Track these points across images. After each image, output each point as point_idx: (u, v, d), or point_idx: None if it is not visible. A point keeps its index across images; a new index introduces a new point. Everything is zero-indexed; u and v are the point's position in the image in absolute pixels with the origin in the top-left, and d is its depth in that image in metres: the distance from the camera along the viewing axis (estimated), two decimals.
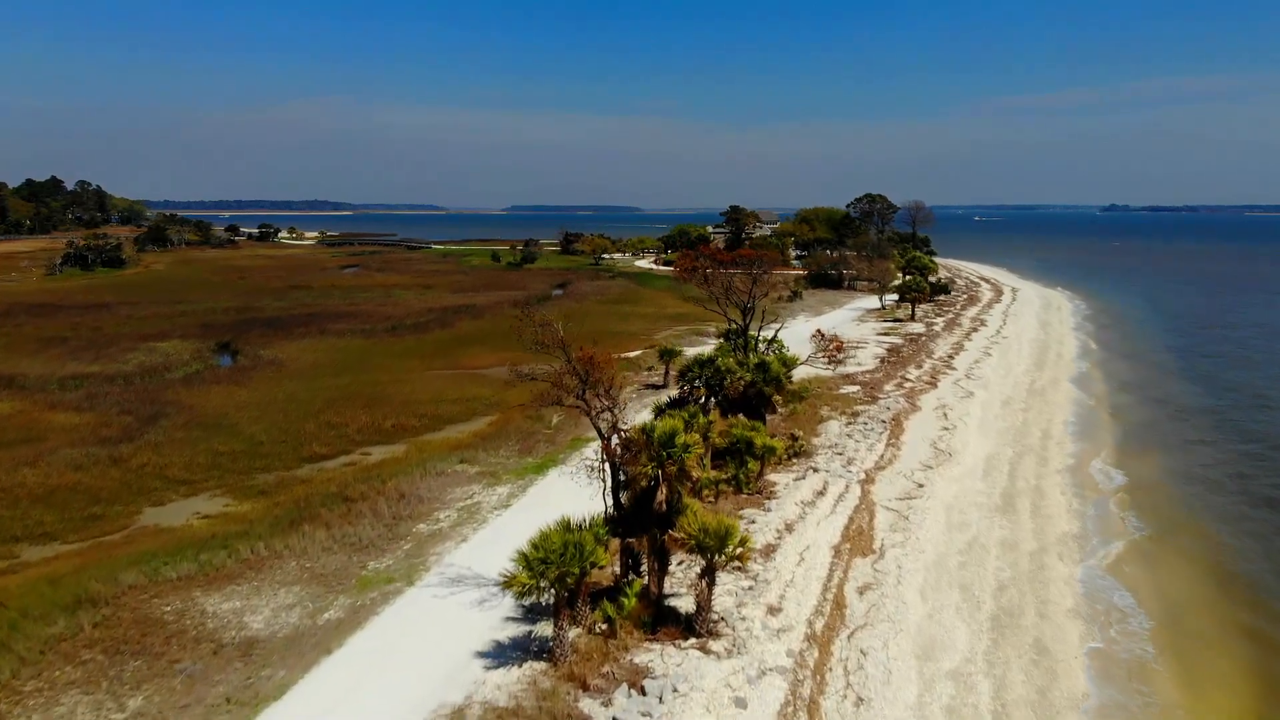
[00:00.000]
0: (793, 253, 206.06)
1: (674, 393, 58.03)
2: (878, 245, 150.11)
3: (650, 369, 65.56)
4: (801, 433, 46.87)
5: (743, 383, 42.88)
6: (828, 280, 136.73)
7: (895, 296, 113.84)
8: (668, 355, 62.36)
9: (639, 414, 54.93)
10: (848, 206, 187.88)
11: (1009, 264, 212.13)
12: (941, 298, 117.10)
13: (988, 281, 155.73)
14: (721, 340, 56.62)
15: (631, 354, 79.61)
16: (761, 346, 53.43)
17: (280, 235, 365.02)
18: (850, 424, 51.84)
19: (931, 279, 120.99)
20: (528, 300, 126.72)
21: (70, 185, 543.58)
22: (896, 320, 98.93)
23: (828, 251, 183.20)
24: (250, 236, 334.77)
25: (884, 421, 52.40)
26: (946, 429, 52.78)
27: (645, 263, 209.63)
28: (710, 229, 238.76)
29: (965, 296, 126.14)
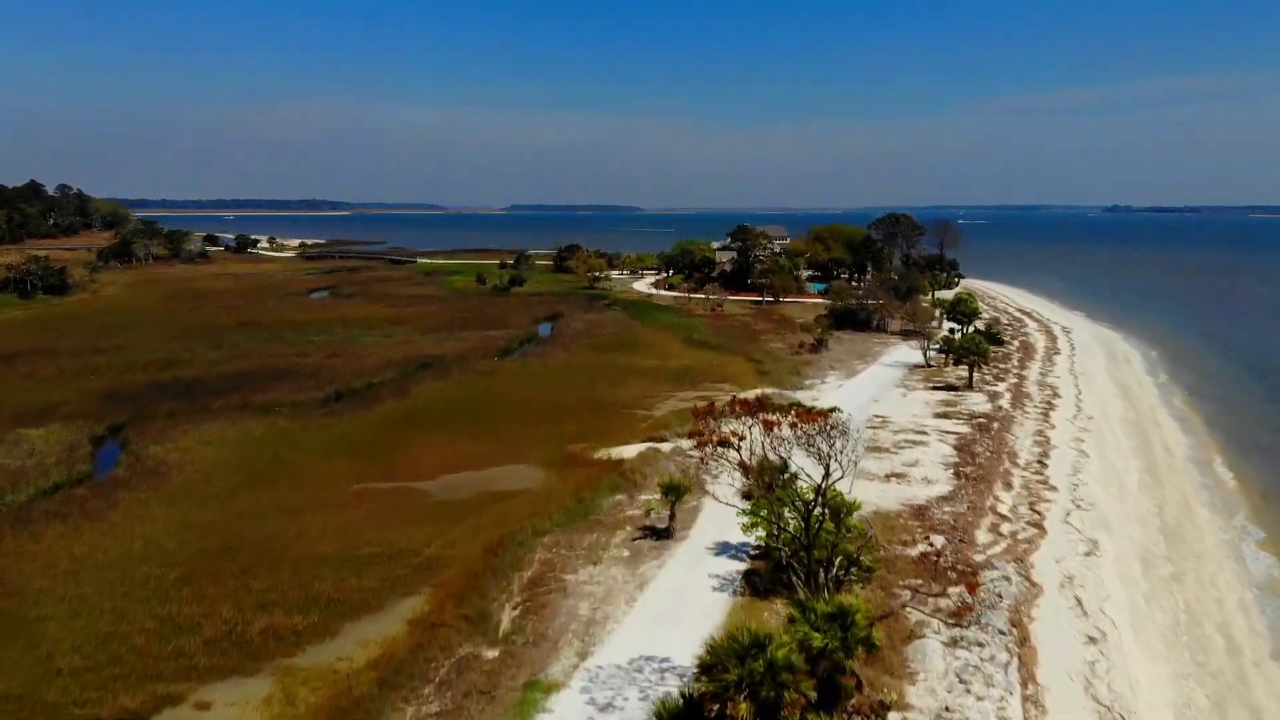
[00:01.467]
0: (805, 273, 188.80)
1: (685, 551, 40.48)
2: (907, 276, 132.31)
3: (651, 511, 47.32)
4: (895, 696, 29.09)
5: (806, 675, 24.71)
6: (853, 319, 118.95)
7: (937, 345, 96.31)
8: (673, 492, 44.57)
9: (628, 614, 37.31)
10: (869, 227, 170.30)
11: (1037, 285, 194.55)
12: (995, 350, 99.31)
13: (1031, 317, 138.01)
14: (756, 514, 38.07)
15: (626, 452, 61.88)
16: (829, 534, 34.98)
17: (261, 244, 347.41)
18: (956, 642, 34.10)
19: (979, 323, 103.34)
20: (507, 346, 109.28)
21: (64, 189, 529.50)
22: (951, 388, 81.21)
23: (848, 279, 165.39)
24: (228, 246, 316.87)
25: (1002, 633, 34.78)
26: (1093, 640, 35.16)
27: (645, 284, 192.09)
28: (715, 246, 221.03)
29: (1018, 344, 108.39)
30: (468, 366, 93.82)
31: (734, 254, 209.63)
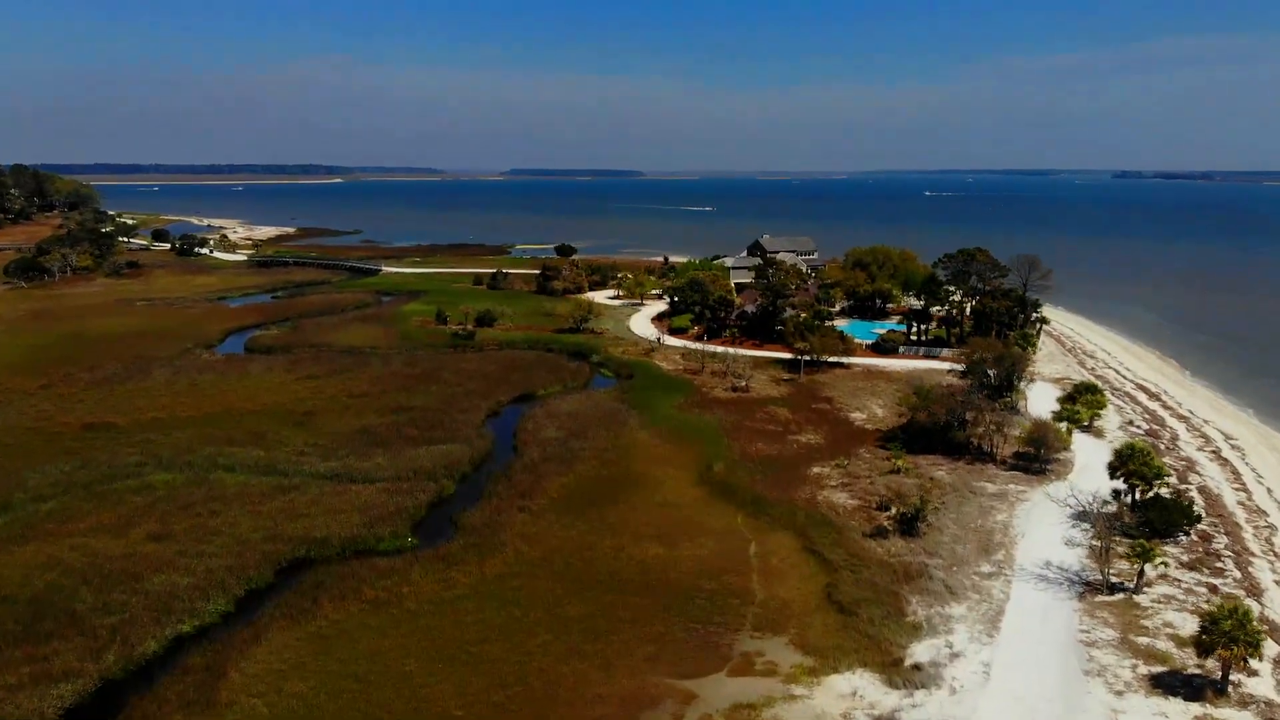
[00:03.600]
0: (838, 306, 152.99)
1: None
2: (1004, 357, 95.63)
3: None
4: None
5: None
6: (941, 434, 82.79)
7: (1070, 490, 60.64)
8: None
9: None
10: (935, 265, 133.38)
11: (1128, 320, 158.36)
12: (1193, 535, 63.56)
13: (1164, 405, 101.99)
14: None
15: None
16: None
17: (217, 238, 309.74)
18: None
19: (1163, 488, 66.82)
20: (438, 495, 73.81)
21: (18, 169, 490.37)
22: (1189, 685, 45.44)
23: (907, 330, 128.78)
24: (173, 247, 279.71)
25: None
26: None
27: (644, 321, 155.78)
28: (729, 264, 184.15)
29: (1195, 489, 72.60)
30: (351, 582, 57.46)
31: (751, 273, 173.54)
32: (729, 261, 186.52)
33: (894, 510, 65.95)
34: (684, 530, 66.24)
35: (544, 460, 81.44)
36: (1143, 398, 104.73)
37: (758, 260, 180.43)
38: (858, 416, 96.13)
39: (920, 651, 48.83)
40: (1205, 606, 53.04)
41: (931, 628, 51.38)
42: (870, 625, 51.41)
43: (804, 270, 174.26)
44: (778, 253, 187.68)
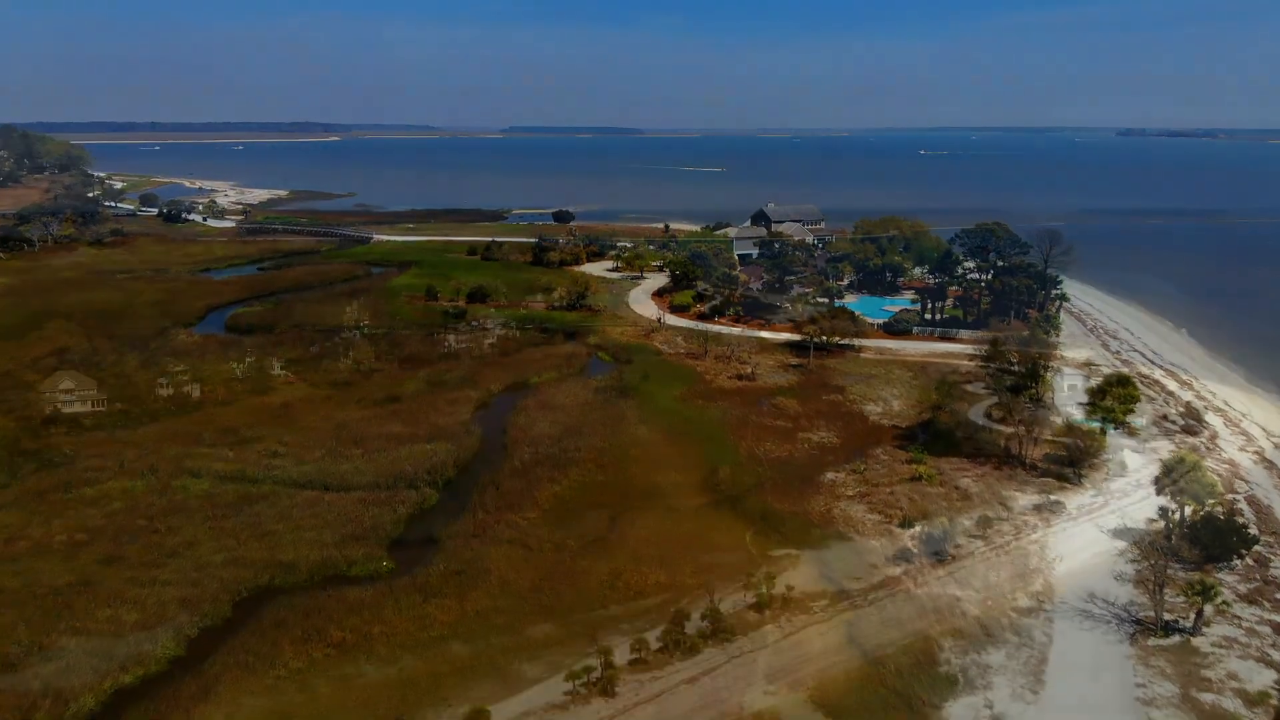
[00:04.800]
0: (846, 280, 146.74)
1: None
2: (1031, 340, 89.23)
3: None
4: None
5: None
6: (967, 439, 76.56)
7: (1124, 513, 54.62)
8: None
9: None
10: (952, 240, 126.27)
11: (1145, 292, 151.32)
12: (1248, 559, 57.53)
13: (1196, 392, 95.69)
14: None
15: None
16: None
17: (206, 203, 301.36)
18: None
19: (1217, 505, 60.66)
20: (403, 525, 67.79)
21: (6, 130, 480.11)
22: None
23: (921, 307, 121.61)
24: (160, 213, 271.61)
25: None
26: None
27: (644, 297, 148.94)
28: (732, 234, 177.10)
29: (1244, 502, 66.60)
30: (316, 620, 51.35)
31: (756, 245, 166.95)
32: (732, 232, 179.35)
33: (918, 529, 59.96)
34: (687, 550, 60.34)
35: (535, 463, 75.38)
36: (1173, 385, 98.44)
37: (762, 231, 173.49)
38: (873, 410, 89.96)
39: (957, 714, 43.03)
40: (1272, 654, 47.49)
41: (968, 681, 45.56)
42: (899, 678, 45.63)
43: (811, 243, 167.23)
44: (783, 221, 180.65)
